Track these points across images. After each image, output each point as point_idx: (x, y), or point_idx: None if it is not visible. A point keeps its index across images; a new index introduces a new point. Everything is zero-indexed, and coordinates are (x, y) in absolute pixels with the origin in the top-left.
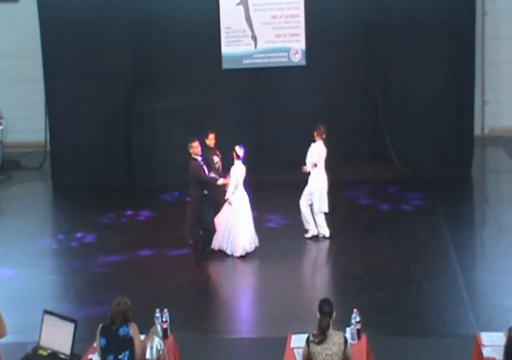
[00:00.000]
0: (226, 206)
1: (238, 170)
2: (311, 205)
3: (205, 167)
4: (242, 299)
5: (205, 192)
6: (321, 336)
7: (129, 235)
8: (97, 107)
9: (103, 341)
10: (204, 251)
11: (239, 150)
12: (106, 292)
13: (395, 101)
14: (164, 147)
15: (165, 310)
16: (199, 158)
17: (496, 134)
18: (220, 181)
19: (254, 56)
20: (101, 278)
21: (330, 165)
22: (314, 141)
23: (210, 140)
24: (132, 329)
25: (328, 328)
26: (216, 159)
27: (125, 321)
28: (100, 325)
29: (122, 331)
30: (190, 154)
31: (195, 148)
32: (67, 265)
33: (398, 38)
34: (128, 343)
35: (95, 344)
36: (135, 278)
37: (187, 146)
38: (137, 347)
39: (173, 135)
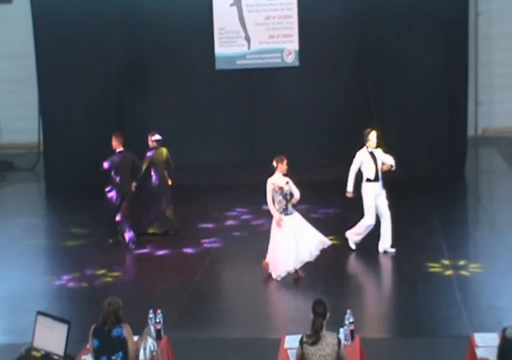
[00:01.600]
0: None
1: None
2: None
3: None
4: (236, 300)
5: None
6: (314, 337)
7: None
8: (91, 108)
9: (96, 342)
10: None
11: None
12: (100, 293)
13: (388, 101)
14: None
15: (159, 310)
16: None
17: (489, 135)
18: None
19: (248, 57)
20: (95, 279)
21: (321, 166)
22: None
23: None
24: (126, 330)
25: (321, 329)
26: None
27: (117, 321)
28: (93, 326)
29: (115, 332)
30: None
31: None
32: (61, 266)
33: (392, 39)
34: (121, 344)
35: (88, 345)
36: (129, 279)
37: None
38: (131, 348)
39: (167, 135)
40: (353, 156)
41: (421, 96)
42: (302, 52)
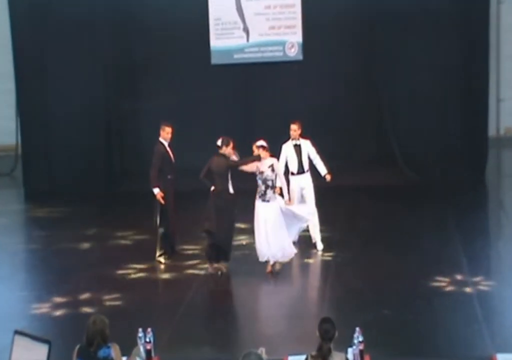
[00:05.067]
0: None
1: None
2: None
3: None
4: (233, 317)
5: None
6: (321, 359)
7: (109, 247)
8: (75, 107)
9: None
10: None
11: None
12: (84, 310)
13: (400, 99)
14: (149, 149)
15: (149, 329)
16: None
17: None
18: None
19: (246, 50)
20: (79, 295)
21: (328, 169)
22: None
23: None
24: (114, 351)
25: (329, 353)
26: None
27: (104, 341)
28: (77, 347)
29: (102, 352)
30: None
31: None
32: (41, 280)
33: (403, 30)
34: None
35: None
36: (116, 295)
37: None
38: None
39: (156, 136)
40: (363, 159)
41: (437, 93)
42: (306, 45)
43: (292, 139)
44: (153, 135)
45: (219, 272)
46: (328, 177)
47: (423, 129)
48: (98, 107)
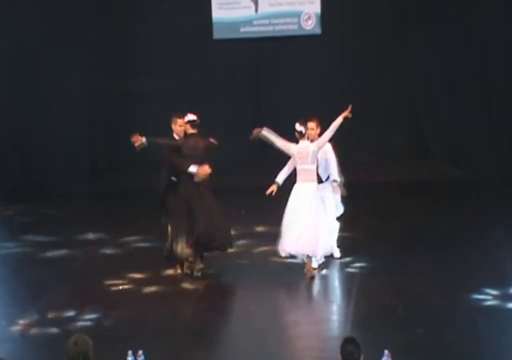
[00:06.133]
0: None
1: None
2: None
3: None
4: (237, 337)
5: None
6: None
7: (94, 255)
8: (52, 91)
9: None
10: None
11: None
12: (64, 329)
13: (438, 81)
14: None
15: (140, 351)
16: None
17: None
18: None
19: (255, 22)
20: (57, 311)
21: (352, 163)
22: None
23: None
24: None
25: None
26: None
27: None
28: None
29: None
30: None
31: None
32: (13, 294)
33: (444, 2)
34: None
35: None
36: (102, 312)
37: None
38: None
39: (151, 125)
40: (392, 151)
41: (479, 79)
42: (325, 16)
43: (311, 141)
44: (143, 124)
45: (199, 274)
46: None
47: (464, 117)
48: (79, 90)
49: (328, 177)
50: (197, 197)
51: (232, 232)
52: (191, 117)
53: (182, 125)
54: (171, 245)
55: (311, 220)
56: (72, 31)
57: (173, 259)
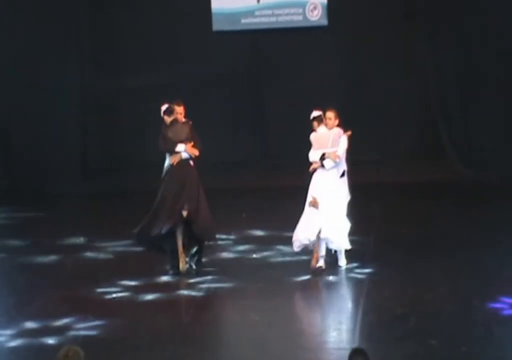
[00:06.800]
0: None
1: None
2: None
3: None
4: (239, 348)
5: None
6: None
7: (85, 261)
8: (40, 89)
9: None
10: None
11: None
12: (53, 340)
13: (453, 79)
14: (133, 139)
15: None
16: None
17: None
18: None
19: (257, 13)
20: (46, 320)
21: (361, 164)
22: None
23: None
24: None
25: None
26: None
27: None
28: None
29: None
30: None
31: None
32: (0, 303)
33: None
34: None
35: None
36: (94, 321)
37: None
38: None
39: (144, 123)
40: (404, 151)
41: (495, 76)
42: (332, 6)
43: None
44: (136, 122)
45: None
46: None
47: (482, 116)
48: (69, 87)
49: (343, 173)
50: (187, 181)
51: (232, 236)
52: (163, 108)
53: (181, 113)
54: (148, 222)
55: (334, 208)
56: (66, 28)
57: (144, 240)
